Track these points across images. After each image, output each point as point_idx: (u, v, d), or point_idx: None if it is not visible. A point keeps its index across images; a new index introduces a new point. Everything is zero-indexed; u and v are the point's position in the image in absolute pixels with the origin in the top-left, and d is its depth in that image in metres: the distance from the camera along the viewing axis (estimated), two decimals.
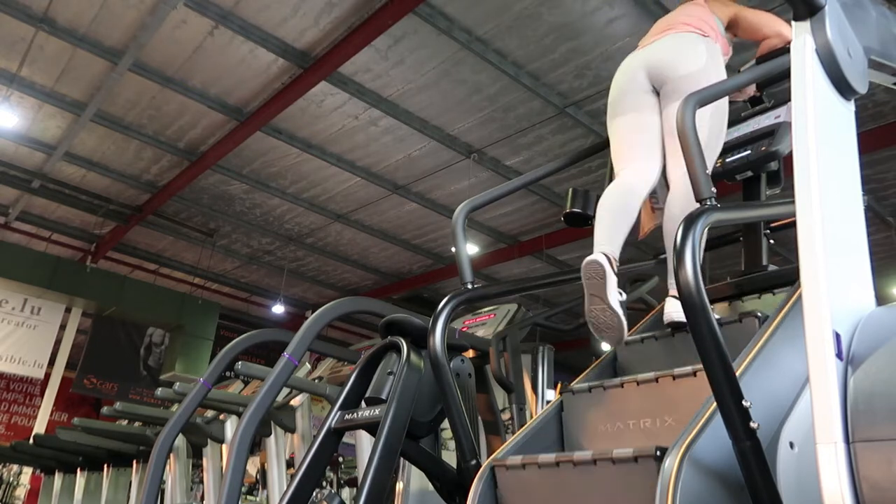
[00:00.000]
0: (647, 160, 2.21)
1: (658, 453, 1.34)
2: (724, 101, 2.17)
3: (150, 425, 5.28)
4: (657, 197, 2.40)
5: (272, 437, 4.29)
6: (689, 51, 2.22)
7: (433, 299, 10.85)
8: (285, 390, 3.88)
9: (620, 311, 1.85)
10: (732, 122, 2.41)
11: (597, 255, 1.92)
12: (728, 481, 1.29)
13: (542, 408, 2.35)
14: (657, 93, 2.27)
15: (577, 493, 1.52)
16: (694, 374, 1.62)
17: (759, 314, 1.81)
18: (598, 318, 1.87)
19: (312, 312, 2.81)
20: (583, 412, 1.84)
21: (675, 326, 1.96)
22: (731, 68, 2.71)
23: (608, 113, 2.39)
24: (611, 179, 2.58)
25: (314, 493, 2.19)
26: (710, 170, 2.16)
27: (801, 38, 1.30)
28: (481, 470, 1.67)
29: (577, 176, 7.22)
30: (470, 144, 7.10)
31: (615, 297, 1.87)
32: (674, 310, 1.94)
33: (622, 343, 1.95)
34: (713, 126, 2.14)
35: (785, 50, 2.02)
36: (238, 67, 6.24)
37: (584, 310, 1.92)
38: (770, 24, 2.43)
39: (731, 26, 2.49)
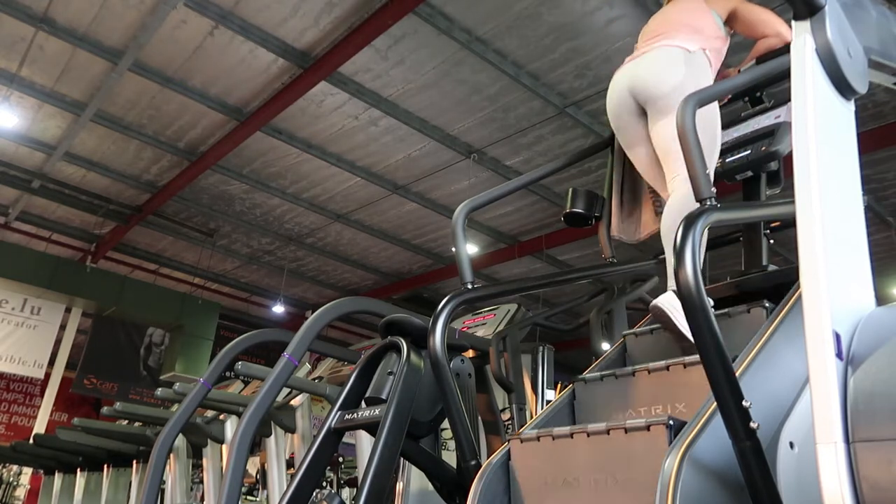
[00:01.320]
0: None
1: (670, 422, 1.39)
2: (713, 106, 2.18)
3: (150, 425, 5.28)
4: (661, 201, 2.40)
5: (272, 437, 4.29)
6: (666, 69, 2.24)
7: (433, 299, 10.85)
8: (285, 390, 3.88)
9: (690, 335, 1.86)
10: (732, 122, 2.42)
11: (661, 301, 1.93)
12: (728, 481, 1.29)
13: (542, 408, 2.36)
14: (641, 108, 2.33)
15: (589, 462, 1.56)
16: None
17: (766, 304, 1.84)
18: (688, 350, 1.88)
19: (312, 312, 2.81)
20: (595, 400, 1.87)
21: (657, 316, 1.94)
22: (730, 66, 2.71)
23: (617, 136, 2.46)
24: (611, 179, 2.59)
25: (314, 493, 2.19)
26: (710, 171, 2.18)
27: (801, 37, 1.30)
28: (501, 448, 1.71)
29: (577, 176, 7.22)
30: (470, 144, 7.10)
31: (685, 325, 1.87)
32: (664, 300, 1.95)
33: None
34: (705, 130, 2.14)
35: (785, 50, 2.02)
36: (238, 67, 6.24)
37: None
38: (770, 23, 2.42)
39: (730, 20, 2.48)
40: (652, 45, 2.35)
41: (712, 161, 2.19)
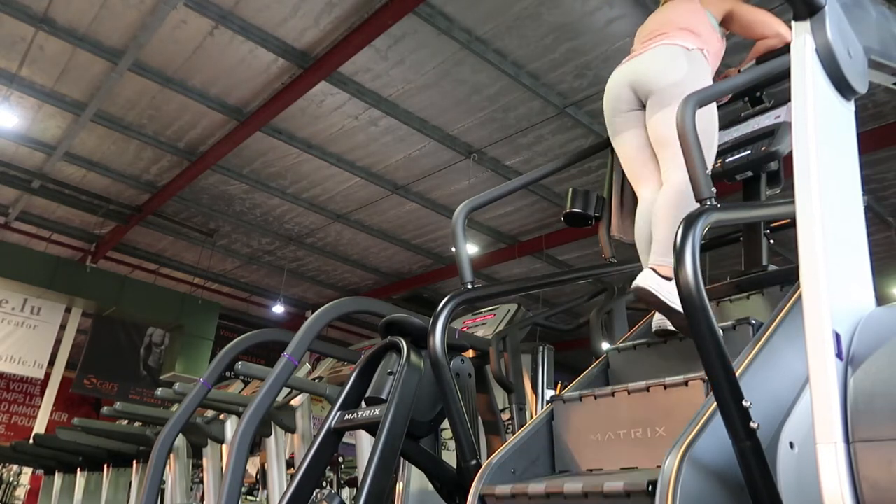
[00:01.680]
0: (659, 173, 2.26)
1: (650, 488, 1.31)
2: (711, 106, 2.18)
3: (150, 425, 5.28)
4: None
5: (272, 437, 4.29)
6: (669, 63, 2.24)
7: (433, 299, 10.85)
8: (285, 390, 3.88)
9: None
10: (732, 122, 2.42)
11: (640, 280, 1.92)
12: (728, 481, 1.29)
13: (542, 408, 2.35)
14: (645, 107, 2.31)
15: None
16: (685, 383, 1.60)
17: (753, 321, 1.81)
18: (680, 322, 1.86)
19: (312, 312, 2.81)
20: (573, 421, 1.81)
21: (664, 334, 1.95)
22: (729, 66, 2.71)
23: (608, 130, 2.45)
24: (611, 179, 2.59)
25: (314, 493, 2.19)
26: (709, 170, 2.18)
27: (801, 38, 1.30)
28: (469, 496, 1.64)
29: (577, 176, 7.22)
30: (470, 144, 7.10)
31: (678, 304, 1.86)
32: (644, 279, 1.93)
33: None
34: (704, 130, 2.15)
35: (785, 50, 2.02)
36: (238, 67, 6.24)
37: (660, 319, 1.96)
38: (769, 24, 2.42)
39: (726, 21, 2.47)
40: (650, 44, 2.35)
41: (709, 160, 2.19)
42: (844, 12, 1.34)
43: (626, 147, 2.36)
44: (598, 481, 1.44)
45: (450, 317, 2.03)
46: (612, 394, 1.73)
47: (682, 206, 1.97)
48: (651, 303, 1.90)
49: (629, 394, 1.69)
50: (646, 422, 1.63)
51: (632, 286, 1.94)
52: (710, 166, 2.19)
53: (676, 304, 1.82)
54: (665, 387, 1.61)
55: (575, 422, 1.80)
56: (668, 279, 1.89)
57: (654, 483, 1.29)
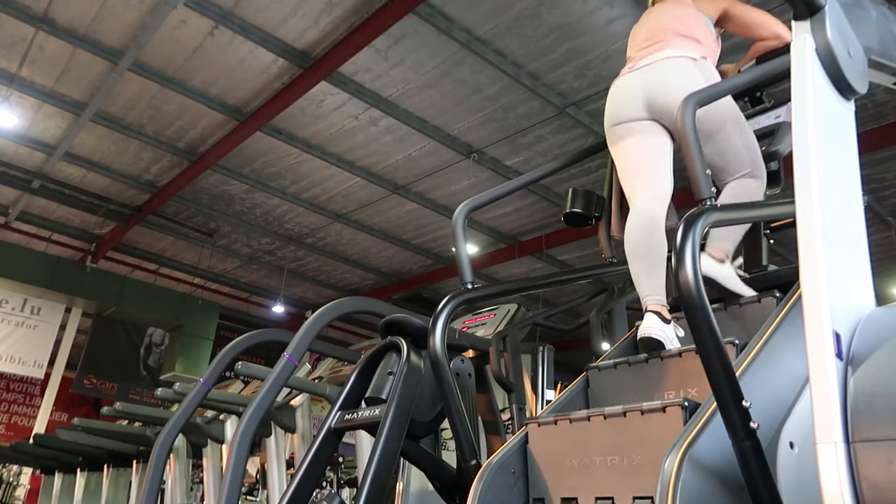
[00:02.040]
0: (657, 179, 2.18)
1: (685, 403, 1.43)
2: (736, 109, 2.18)
3: (150, 425, 5.28)
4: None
5: (272, 437, 4.29)
6: (688, 83, 2.13)
7: (433, 299, 10.85)
8: (285, 390, 3.88)
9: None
10: None
11: (648, 326, 1.90)
12: (728, 481, 1.29)
13: (542, 408, 2.35)
14: (653, 119, 2.25)
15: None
16: (663, 409, 1.55)
17: (777, 294, 1.84)
18: None
19: (312, 312, 2.81)
20: (548, 445, 1.75)
21: (650, 346, 1.90)
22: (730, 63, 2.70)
23: (608, 139, 2.37)
24: (611, 180, 2.59)
25: (314, 493, 2.19)
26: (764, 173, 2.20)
27: (801, 38, 1.30)
28: (520, 430, 1.73)
29: (577, 176, 7.22)
30: (470, 144, 7.10)
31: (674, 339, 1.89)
32: (649, 327, 1.90)
33: None
34: (745, 132, 2.18)
35: (785, 50, 2.02)
36: (238, 67, 6.24)
37: (651, 330, 1.94)
38: (767, 25, 2.39)
39: (721, 21, 2.43)
40: (653, 54, 2.28)
41: (760, 163, 2.19)
42: (844, 12, 1.34)
43: (628, 152, 2.28)
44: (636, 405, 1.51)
45: (450, 317, 2.02)
46: (588, 418, 1.64)
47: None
48: (657, 349, 1.89)
49: (605, 418, 1.62)
50: (622, 449, 1.57)
51: (639, 336, 1.92)
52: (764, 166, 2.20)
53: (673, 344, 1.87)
54: (642, 412, 1.54)
55: (550, 446, 1.72)
56: (668, 321, 1.91)
57: (689, 401, 1.41)
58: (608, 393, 1.91)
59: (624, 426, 1.55)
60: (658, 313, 1.92)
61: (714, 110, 2.08)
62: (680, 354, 1.73)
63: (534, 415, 2.41)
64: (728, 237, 2.11)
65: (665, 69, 2.24)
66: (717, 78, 2.23)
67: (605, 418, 1.60)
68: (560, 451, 1.67)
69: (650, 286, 2.00)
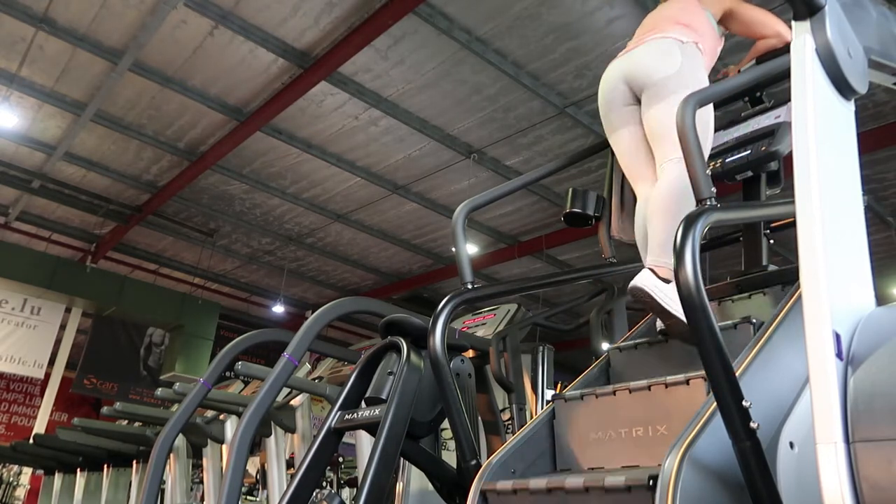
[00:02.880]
0: (652, 167, 2.25)
1: (651, 483, 1.31)
2: (708, 107, 2.18)
3: (150, 425, 5.28)
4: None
5: (272, 437, 4.29)
6: (663, 57, 2.23)
7: (433, 299, 10.85)
8: (285, 390, 3.88)
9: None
10: (732, 122, 2.42)
11: (637, 280, 1.90)
12: (728, 481, 1.29)
13: (543, 408, 2.35)
14: (639, 101, 2.29)
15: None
16: (687, 382, 1.60)
17: (753, 321, 1.80)
18: (677, 330, 1.85)
19: (312, 312, 2.81)
20: (574, 420, 1.81)
21: (637, 295, 1.92)
22: (727, 65, 2.71)
23: (604, 126, 2.43)
24: (611, 180, 2.59)
25: (314, 493, 2.19)
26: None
27: (801, 38, 1.30)
28: (471, 492, 1.65)
29: (577, 176, 7.22)
30: (470, 144, 7.10)
31: (675, 303, 1.80)
32: (642, 279, 1.91)
33: None
34: (701, 128, 2.16)
35: (785, 50, 2.02)
36: (238, 67, 6.24)
37: (658, 323, 1.95)
38: (769, 24, 2.41)
39: (725, 20, 2.46)
40: (644, 39, 2.34)
41: (704, 155, 2.19)
42: (844, 12, 1.34)
43: (623, 144, 2.35)
44: (598, 477, 1.44)
45: (450, 317, 2.02)
46: (614, 392, 1.72)
47: (678, 202, 1.96)
48: (647, 304, 1.88)
49: (630, 392, 1.69)
50: (647, 420, 1.63)
51: (629, 286, 1.93)
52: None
53: (673, 308, 1.82)
54: (666, 385, 1.61)
55: (576, 421, 1.79)
56: (667, 281, 1.87)
57: (654, 478, 1.29)
58: (630, 371, 1.95)
59: (649, 399, 1.61)
60: (653, 270, 1.91)
61: (686, 75, 2.14)
62: (649, 388, 1.68)
63: (534, 415, 2.41)
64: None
65: (646, 49, 2.30)
66: (699, 62, 2.25)
67: (630, 392, 1.66)
68: (587, 425, 1.73)
69: (645, 250, 2.03)
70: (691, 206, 1.58)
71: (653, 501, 1.24)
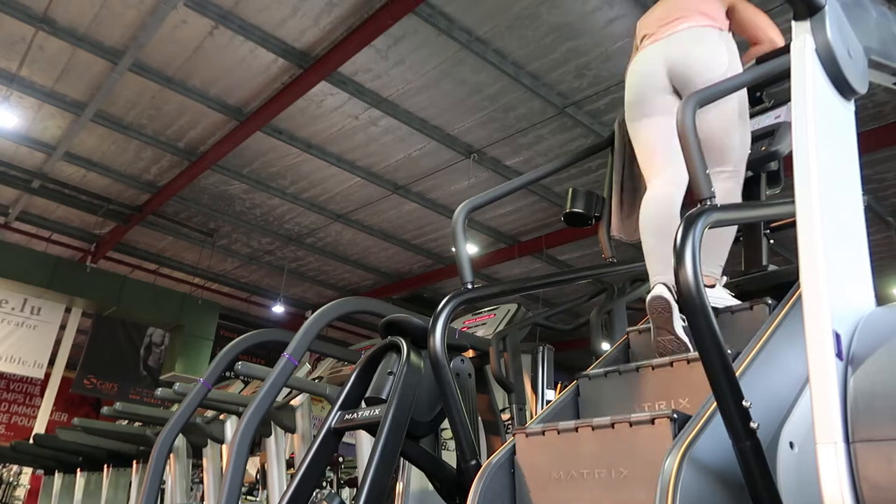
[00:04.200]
0: (673, 164, 2.16)
1: (674, 415, 1.40)
2: (745, 106, 2.18)
3: (150, 425, 5.28)
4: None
5: (272, 437, 4.29)
6: (712, 52, 2.17)
7: (433, 299, 10.85)
8: (285, 390, 3.88)
9: (686, 339, 1.85)
10: None
11: (660, 290, 1.91)
12: (728, 481, 1.29)
13: (542, 408, 2.35)
14: (677, 93, 2.23)
15: (595, 455, 1.56)
16: (652, 421, 1.59)
17: (769, 301, 1.83)
18: (665, 347, 1.88)
19: (312, 312, 2.81)
20: (598, 397, 1.86)
21: (658, 307, 1.93)
22: None
23: (627, 114, 2.34)
24: (611, 179, 2.59)
25: (314, 493, 2.19)
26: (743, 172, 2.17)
27: (801, 38, 1.30)
28: (508, 441, 1.71)
29: (577, 176, 7.22)
30: (470, 144, 7.10)
31: (679, 325, 1.87)
32: (661, 290, 1.92)
33: None
34: (742, 129, 2.17)
35: (785, 50, 2.02)
36: (238, 67, 6.24)
37: (652, 338, 1.94)
38: (763, 28, 2.38)
39: (728, 14, 2.43)
40: (673, 27, 2.26)
41: (744, 162, 2.19)
42: (844, 12, 1.34)
43: (650, 133, 2.25)
44: (624, 415, 1.49)
45: (450, 317, 2.02)
46: (576, 429, 1.62)
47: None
48: (661, 315, 1.89)
49: (653, 369, 1.71)
50: (670, 394, 1.65)
51: (648, 298, 1.93)
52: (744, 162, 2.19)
53: (679, 329, 1.85)
54: (631, 424, 1.51)
55: (601, 397, 1.82)
56: (710, 286, 1.91)
57: (678, 412, 1.38)
58: (598, 402, 1.89)
59: (612, 438, 1.53)
60: (668, 287, 1.92)
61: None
62: (671, 364, 1.72)
63: (534, 415, 2.41)
64: (715, 261, 2.09)
65: (689, 37, 2.23)
66: (737, 54, 2.22)
67: (592, 430, 1.57)
68: (547, 462, 1.64)
69: (661, 264, 2.01)
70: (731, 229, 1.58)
71: (676, 432, 1.32)
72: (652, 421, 1.43)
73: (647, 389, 1.74)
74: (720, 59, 2.17)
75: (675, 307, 1.88)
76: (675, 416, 1.40)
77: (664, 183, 2.17)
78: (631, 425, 1.47)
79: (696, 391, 1.60)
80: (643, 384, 1.76)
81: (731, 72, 2.13)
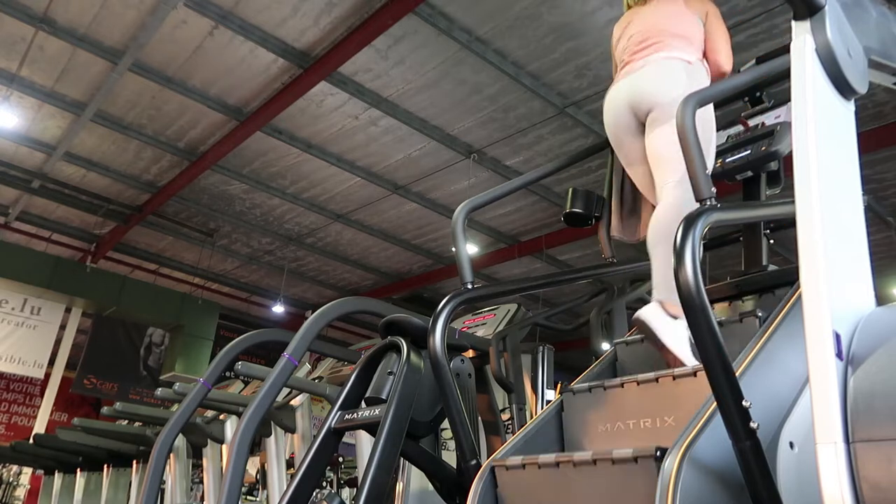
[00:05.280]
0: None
1: (658, 454, 1.34)
2: (709, 109, 2.18)
3: (150, 425, 5.28)
4: None
5: (272, 437, 4.29)
6: (668, 80, 2.22)
7: (433, 299, 10.85)
8: (285, 390, 3.88)
9: (686, 352, 1.80)
10: (732, 123, 2.41)
11: (643, 312, 1.90)
12: (728, 481, 1.29)
13: (543, 408, 2.35)
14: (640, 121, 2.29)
15: (577, 493, 1.52)
16: (694, 374, 1.61)
17: (759, 314, 1.81)
18: (669, 362, 1.86)
19: (312, 312, 2.80)
20: (583, 412, 1.83)
21: (641, 329, 1.90)
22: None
23: (616, 153, 2.44)
24: (611, 179, 2.59)
25: (314, 493, 2.19)
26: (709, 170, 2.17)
27: (801, 38, 1.30)
28: (481, 470, 1.67)
29: (577, 176, 7.22)
30: (470, 144, 7.10)
31: (675, 340, 1.82)
32: (648, 312, 1.89)
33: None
34: (703, 132, 2.14)
35: (785, 50, 2.02)
36: (238, 67, 6.24)
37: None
38: (717, 50, 2.35)
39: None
40: (646, 56, 2.30)
41: (709, 162, 2.18)
42: (844, 12, 1.34)
43: (637, 174, 2.37)
44: (607, 450, 1.47)
45: (450, 317, 2.03)
46: (622, 385, 1.74)
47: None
48: (648, 336, 1.89)
49: (638, 384, 1.71)
50: (655, 412, 1.65)
51: (634, 317, 1.93)
52: (709, 168, 2.18)
53: (671, 346, 1.83)
54: (674, 377, 1.63)
55: (584, 413, 1.82)
56: (675, 317, 1.86)
57: (662, 450, 1.33)
58: (582, 419, 1.87)
59: (657, 391, 1.60)
60: (662, 304, 1.91)
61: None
62: (657, 380, 1.70)
63: (534, 415, 2.41)
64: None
65: (652, 71, 2.27)
66: (705, 80, 2.26)
67: (638, 384, 1.66)
68: (595, 417, 1.73)
69: (662, 279, 2.00)
70: None
71: (660, 471, 1.26)
72: (635, 460, 1.39)
73: (632, 406, 1.71)
74: (676, 83, 2.19)
75: (667, 325, 1.85)
76: (658, 453, 1.35)
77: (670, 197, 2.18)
78: (613, 463, 1.43)
79: (681, 408, 1.57)
80: (628, 400, 1.73)
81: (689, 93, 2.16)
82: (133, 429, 5.53)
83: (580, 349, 5.19)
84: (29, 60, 6.40)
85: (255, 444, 4.63)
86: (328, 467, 5.91)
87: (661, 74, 2.25)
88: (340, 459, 6.32)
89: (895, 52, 1.52)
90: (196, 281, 10.99)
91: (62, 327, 10.34)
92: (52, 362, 10.23)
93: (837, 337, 1.10)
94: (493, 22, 5.37)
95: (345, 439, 2.45)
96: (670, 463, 1.25)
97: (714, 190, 1.50)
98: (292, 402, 4.22)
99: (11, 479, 10.54)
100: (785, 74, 1.40)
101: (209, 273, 10.69)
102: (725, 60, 2.37)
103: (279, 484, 4.17)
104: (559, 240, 8.52)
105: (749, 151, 2.27)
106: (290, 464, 4.73)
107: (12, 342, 9.82)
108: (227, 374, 5.18)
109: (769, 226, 2.24)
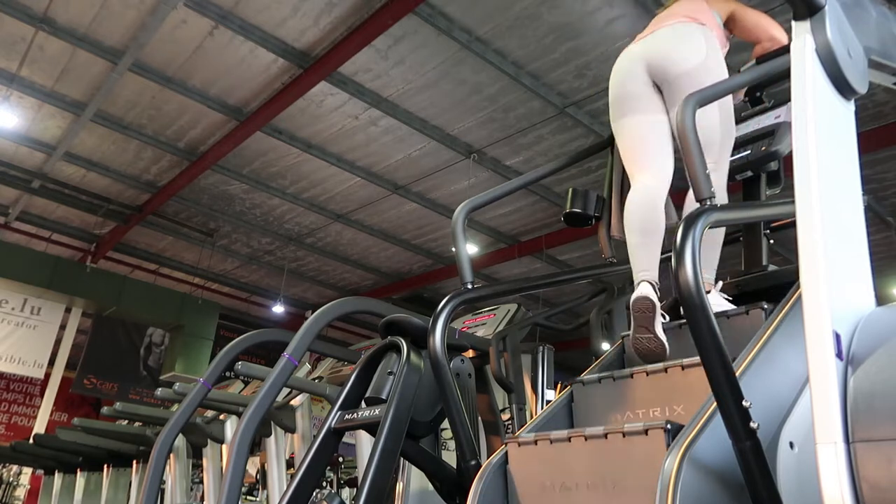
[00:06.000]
0: (662, 160, 2.21)
1: (668, 426, 1.39)
2: (729, 99, 2.18)
3: (150, 425, 5.28)
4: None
5: (272, 437, 4.29)
6: (688, 43, 2.20)
7: (433, 299, 10.85)
8: (285, 390, 3.88)
9: (664, 338, 1.86)
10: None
11: (645, 290, 1.91)
12: (728, 481, 1.29)
13: (542, 408, 2.35)
14: (659, 89, 2.25)
15: (587, 468, 1.54)
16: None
17: (765, 306, 1.83)
18: (642, 346, 1.88)
19: (312, 312, 2.80)
20: (592, 402, 1.87)
21: (643, 307, 1.90)
22: (732, 68, 2.71)
23: (611, 113, 2.36)
24: (611, 179, 2.59)
25: (314, 493, 2.19)
26: (727, 166, 2.18)
27: (801, 38, 1.30)
28: (499, 451, 1.72)
29: (577, 176, 7.22)
30: (470, 144, 7.10)
31: (660, 324, 1.88)
32: (646, 290, 1.92)
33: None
34: (724, 122, 2.16)
35: (784, 50, 2.02)
36: (238, 67, 6.24)
37: (630, 336, 1.94)
38: (766, 29, 2.41)
39: (729, 22, 2.47)
40: (662, 25, 2.31)
41: (729, 150, 2.20)
42: (844, 12, 1.34)
43: (632, 130, 2.28)
44: (619, 425, 1.50)
45: (450, 317, 2.03)
46: (632, 375, 1.78)
47: None
48: (645, 315, 1.88)
49: (648, 375, 1.75)
50: (664, 401, 1.69)
51: (633, 298, 1.92)
52: (727, 161, 2.19)
53: (659, 329, 1.86)
54: (683, 367, 1.68)
55: (594, 403, 1.86)
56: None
57: (671, 423, 1.38)
58: (592, 409, 1.90)
59: (605, 448, 1.53)
60: (652, 285, 1.93)
61: (712, 68, 2.14)
62: (665, 370, 1.73)
63: (534, 415, 2.41)
64: (708, 266, 2.10)
65: (669, 32, 2.27)
66: (720, 50, 2.25)
67: (585, 439, 1.58)
68: (540, 472, 1.66)
69: (646, 261, 2.03)
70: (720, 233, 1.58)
71: (669, 442, 1.31)
72: (645, 431, 1.42)
73: (642, 396, 1.74)
74: (697, 49, 2.19)
75: (658, 306, 1.89)
76: (668, 426, 1.38)
77: (649, 177, 2.19)
78: (624, 436, 1.46)
79: (691, 398, 1.60)
80: (637, 390, 1.76)
81: (709, 62, 2.16)
82: (133, 429, 5.53)
83: (580, 349, 5.19)
84: (29, 60, 6.40)
85: (255, 444, 4.63)
86: (328, 467, 5.91)
87: (677, 36, 2.24)
88: (340, 459, 6.32)
89: (895, 52, 1.52)
90: (196, 281, 10.99)
91: (62, 327, 10.35)
92: (52, 362, 10.23)
93: (837, 337, 1.10)
94: (493, 22, 5.37)
95: (345, 439, 2.45)
96: (670, 463, 1.25)
97: (714, 190, 1.50)
98: (292, 402, 4.22)
99: (11, 479, 10.55)
100: (785, 74, 1.40)
101: (209, 273, 10.69)
102: (778, 33, 2.38)
103: (279, 484, 4.17)
104: (559, 240, 8.52)
105: (749, 151, 2.27)
106: (290, 464, 4.73)
107: (12, 342, 9.82)
108: (227, 374, 5.18)
109: (769, 226, 2.24)
